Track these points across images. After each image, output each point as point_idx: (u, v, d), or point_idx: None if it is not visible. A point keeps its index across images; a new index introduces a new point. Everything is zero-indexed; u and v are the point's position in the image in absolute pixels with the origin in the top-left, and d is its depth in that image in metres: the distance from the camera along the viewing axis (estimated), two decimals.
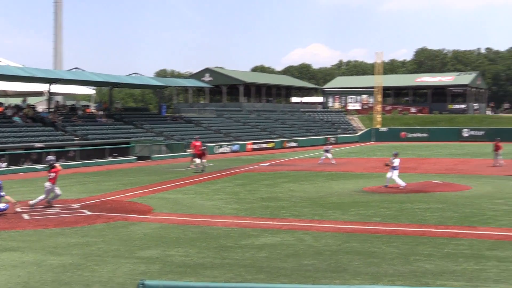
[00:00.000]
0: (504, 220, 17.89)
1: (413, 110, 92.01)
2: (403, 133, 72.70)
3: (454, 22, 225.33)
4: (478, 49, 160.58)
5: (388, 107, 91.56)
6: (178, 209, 20.91)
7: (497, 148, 37.95)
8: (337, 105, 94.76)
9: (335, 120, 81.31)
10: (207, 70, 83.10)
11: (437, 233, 16.06)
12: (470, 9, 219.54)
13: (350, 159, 45.38)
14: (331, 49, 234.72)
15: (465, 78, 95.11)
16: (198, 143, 37.52)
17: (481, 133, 69.32)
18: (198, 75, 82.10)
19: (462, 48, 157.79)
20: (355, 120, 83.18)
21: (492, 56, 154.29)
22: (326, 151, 41.45)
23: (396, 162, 26.28)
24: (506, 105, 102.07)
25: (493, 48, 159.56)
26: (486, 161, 40.81)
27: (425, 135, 71.71)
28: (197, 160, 35.83)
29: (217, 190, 26.20)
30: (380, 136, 72.36)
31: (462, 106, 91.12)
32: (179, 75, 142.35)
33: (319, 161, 41.16)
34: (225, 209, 20.70)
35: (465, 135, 69.87)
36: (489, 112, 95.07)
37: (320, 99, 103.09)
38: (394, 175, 26.13)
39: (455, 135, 69.85)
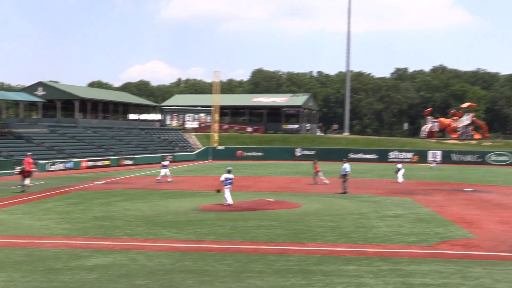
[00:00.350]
0: (330, 236, 18.87)
1: (249, 129, 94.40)
2: (239, 151, 74.36)
3: (288, 45, 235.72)
4: (311, 72, 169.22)
5: (225, 126, 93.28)
6: (2, 230, 19.69)
7: (316, 169, 39.99)
8: (175, 123, 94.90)
9: (173, 138, 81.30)
10: (40, 83, 79.40)
11: (268, 250, 16.55)
12: (304, 34, 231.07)
13: (187, 177, 45.52)
14: (171, 67, 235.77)
15: (298, 99, 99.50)
16: (30, 160, 35.58)
17: (312, 152, 72.82)
18: (30, 89, 78.18)
19: (296, 71, 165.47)
20: (192, 138, 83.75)
21: (323, 79, 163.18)
22: (164, 166, 41.27)
23: (223, 177, 26.61)
24: (335, 126, 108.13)
25: (324, 72, 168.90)
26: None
27: (260, 154, 73.91)
28: (27, 180, 33.88)
29: (48, 210, 25.06)
30: (217, 155, 73.42)
31: (295, 126, 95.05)
32: (10, 88, 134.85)
33: (157, 178, 40.88)
34: (55, 230, 19.84)
35: (298, 154, 72.99)
36: (318, 133, 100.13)
37: (158, 116, 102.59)
38: (226, 192, 26.54)
39: (289, 154, 72.73)
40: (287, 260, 15.11)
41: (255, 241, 17.91)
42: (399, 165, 42.97)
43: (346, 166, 33.53)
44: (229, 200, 26.38)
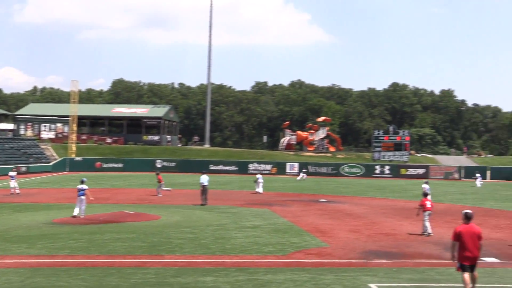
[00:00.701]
0: (188, 248, 18.87)
1: (109, 140, 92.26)
2: (98, 163, 72.42)
3: (150, 56, 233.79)
4: (172, 83, 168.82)
5: (84, 137, 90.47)
6: None
7: (159, 180, 39.94)
8: (29, 133, 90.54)
9: (27, 148, 77.51)
10: None
11: (125, 263, 16.24)
12: (166, 45, 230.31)
13: (41, 190, 43.58)
14: (26, 74, 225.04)
15: (159, 110, 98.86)
16: None
17: (173, 164, 72.55)
18: None
19: (157, 82, 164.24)
20: (49, 149, 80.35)
21: (184, 91, 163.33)
22: (12, 177, 39.28)
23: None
24: (196, 138, 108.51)
25: (185, 83, 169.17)
26: (180, 191, 42.67)
27: (120, 165, 72.42)
28: None
29: None
30: (74, 166, 70.99)
31: (156, 137, 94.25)
32: None
33: (16, 192, 38.84)
34: None
35: (159, 166, 72.31)
36: (179, 144, 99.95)
37: (11, 126, 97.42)
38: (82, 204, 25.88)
39: (149, 166, 71.85)
40: (145, 273, 14.91)
41: (112, 254, 17.50)
42: (259, 176, 44.00)
43: (203, 178, 33.60)
44: (75, 212, 25.74)
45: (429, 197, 24.61)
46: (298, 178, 62.81)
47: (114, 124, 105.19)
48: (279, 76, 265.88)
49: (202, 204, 32.77)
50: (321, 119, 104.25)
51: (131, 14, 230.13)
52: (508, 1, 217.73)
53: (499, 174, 71.23)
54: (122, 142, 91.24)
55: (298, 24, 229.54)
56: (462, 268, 12.96)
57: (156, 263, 16.34)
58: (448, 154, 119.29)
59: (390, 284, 14.30)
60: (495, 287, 14.27)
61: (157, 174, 41.14)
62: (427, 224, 22.91)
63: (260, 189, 42.63)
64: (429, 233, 22.66)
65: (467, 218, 13.14)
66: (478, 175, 59.48)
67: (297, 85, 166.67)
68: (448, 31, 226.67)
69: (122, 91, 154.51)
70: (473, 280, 13.00)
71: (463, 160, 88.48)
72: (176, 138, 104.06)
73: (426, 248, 19.93)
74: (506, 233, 23.73)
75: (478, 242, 12.94)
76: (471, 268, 12.96)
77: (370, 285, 14.13)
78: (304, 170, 68.01)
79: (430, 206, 23.24)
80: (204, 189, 33.38)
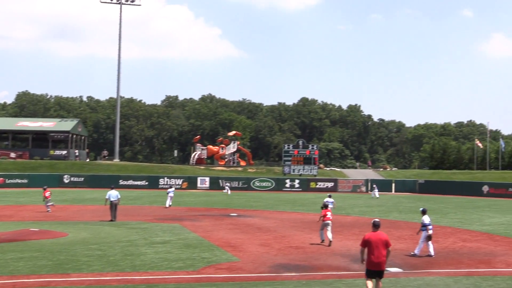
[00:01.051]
0: (96, 265, 18.40)
1: (12, 155, 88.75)
2: (1, 179, 69.51)
3: (58, 68, 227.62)
4: (81, 96, 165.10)
5: None
6: None
7: (45, 195, 38.47)
8: None
9: None
10: None
11: (29, 283, 15.65)
12: (74, 58, 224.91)
13: None
14: None
15: (67, 124, 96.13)
16: None
17: (81, 179, 70.70)
18: None
19: (65, 95, 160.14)
20: None
21: (93, 105, 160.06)
22: None
23: None
24: (105, 153, 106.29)
25: (94, 97, 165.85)
26: (86, 207, 41.62)
27: (25, 181, 69.81)
28: None
29: None
30: None
31: (64, 152, 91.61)
32: None
33: None
34: None
35: (66, 181, 70.34)
36: (87, 159, 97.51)
37: None
38: None
39: (56, 181, 69.69)
40: None
41: (14, 274, 16.80)
42: (171, 190, 43.74)
43: (111, 193, 32.92)
44: None
45: (330, 207, 25.94)
46: (225, 191, 64.14)
47: (18, 138, 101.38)
48: (190, 90, 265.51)
49: (111, 220, 32.12)
50: (231, 133, 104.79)
51: (36, 25, 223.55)
52: (411, 19, 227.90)
53: (403, 186, 74.01)
54: (27, 157, 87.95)
55: (208, 39, 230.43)
56: (367, 274, 13.66)
57: (62, 282, 15.84)
58: (355, 168, 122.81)
59: None
60: None
61: (44, 189, 39.36)
62: (321, 232, 24.57)
63: (168, 202, 42.66)
64: (323, 240, 24.33)
65: (375, 226, 14.00)
66: (374, 186, 64.23)
67: (208, 100, 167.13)
68: (354, 48, 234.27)
69: (28, 104, 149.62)
70: None
71: (370, 174, 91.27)
72: (85, 152, 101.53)
73: (334, 260, 20.37)
74: (409, 243, 24.60)
75: (384, 249, 13.67)
76: (379, 275, 13.67)
77: None
78: (227, 184, 68.46)
79: (329, 217, 24.30)
80: (112, 205, 32.73)
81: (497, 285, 15.80)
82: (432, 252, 21.46)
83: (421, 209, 23.03)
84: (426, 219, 21.78)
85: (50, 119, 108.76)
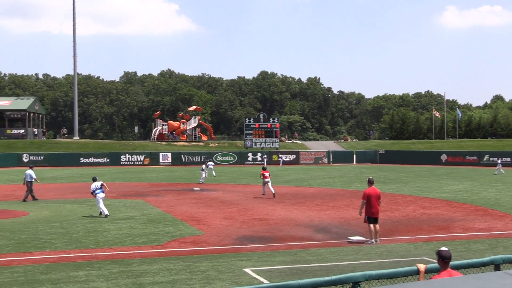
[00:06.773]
0: (59, 243, 18.24)
1: None
2: None
3: (11, 46, 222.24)
4: (36, 74, 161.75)
5: None
6: None
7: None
8: None
9: None
10: None
11: None
12: (27, 35, 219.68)
13: None
14: None
15: (23, 103, 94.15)
16: None
17: (40, 158, 69.58)
18: None
19: (20, 73, 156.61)
20: None
21: (50, 82, 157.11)
22: None
23: None
24: (64, 131, 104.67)
25: (50, 74, 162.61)
26: (47, 185, 41.04)
27: None
28: None
29: None
30: None
31: (21, 131, 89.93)
32: None
33: None
34: None
35: (25, 160, 69.16)
36: (43, 137, 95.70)
37: None
38: None
39: (15, 161, 68.49)
40: (12, 272, 14.25)
41: None
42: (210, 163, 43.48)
43: (30, 173, 32.26)
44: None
45: (267, 169, 32.76)
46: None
47: None
48: (149, 66, 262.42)
49: (24, 200, 31.42)
50: (192, 108, 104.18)
51: None
52: None
53: (364, 157, 74.90)
54: None
55: (166, 14, 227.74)
56: (369, 221, 17.69)
57: (25, 260, 15.67)
58: (317, 140, 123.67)
59: (264, 268, 14.64)
60: (361, 263, 15.00)
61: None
62: (264, 187, 29.13)
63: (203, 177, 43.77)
64: (264, 193, 31.76)
65: (370, 182, 18.16)
66: (499, 161, 55.23)
67: (167, 75, 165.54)
68: (313, 21, 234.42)
69: None
70: (376, 230, 17.66)
71: (332, 145, 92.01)
72: (41, 131, 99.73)
73: (297, 231, 20.59)
74: None
75: (379, 201, 17.88)
76: (375, 221, 17.69)
77: (245, 269, 14.40)
78: (210, 163, 53.69)
79: (267, 176, 31.60)
80: (27, 185, 32.05)
81: (455, 249, 16.20)
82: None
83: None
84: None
85: (5, 97, 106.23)
